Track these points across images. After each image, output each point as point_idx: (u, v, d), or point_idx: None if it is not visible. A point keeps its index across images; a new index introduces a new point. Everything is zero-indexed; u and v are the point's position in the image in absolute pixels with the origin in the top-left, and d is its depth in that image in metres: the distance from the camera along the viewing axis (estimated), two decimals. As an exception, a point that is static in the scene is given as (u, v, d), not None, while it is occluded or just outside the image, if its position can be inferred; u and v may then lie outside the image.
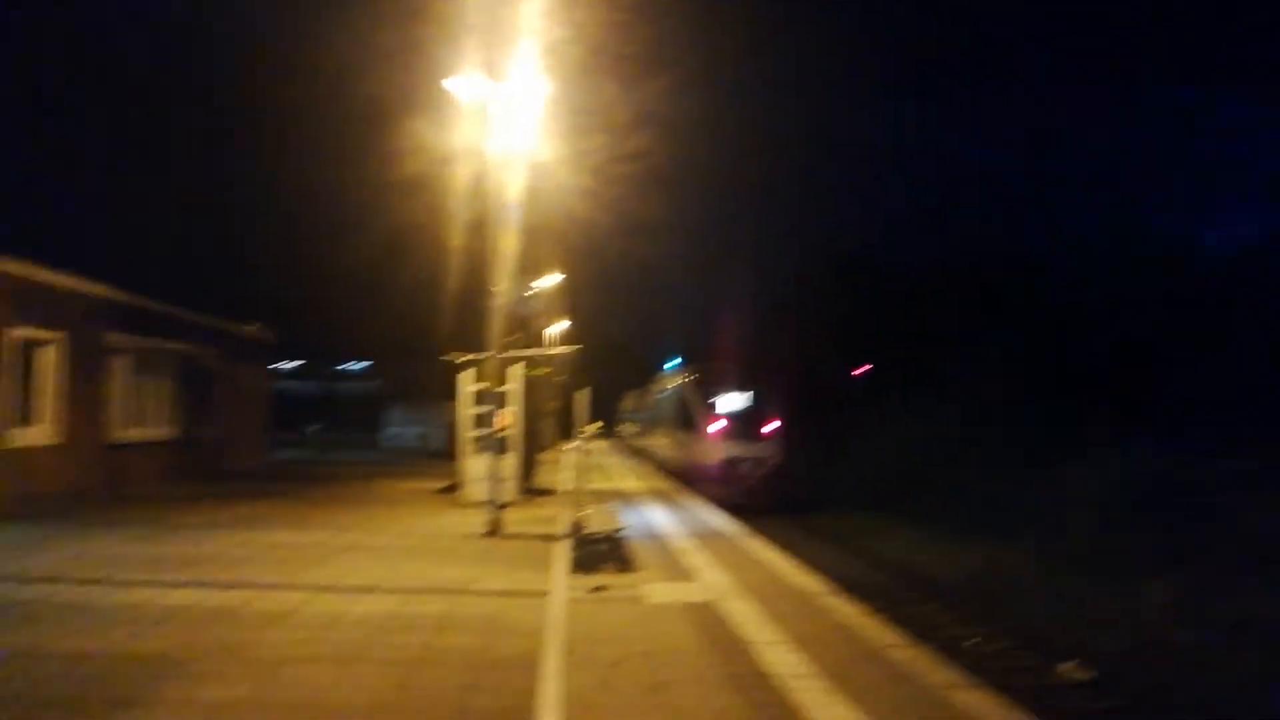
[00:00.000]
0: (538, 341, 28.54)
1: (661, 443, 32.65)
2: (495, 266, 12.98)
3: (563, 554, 10.92)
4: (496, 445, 13.13)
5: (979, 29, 58.22)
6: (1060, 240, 36.71)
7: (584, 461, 20.87)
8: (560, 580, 9.38)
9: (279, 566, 9.73)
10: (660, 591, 9.09)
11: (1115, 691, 9.49)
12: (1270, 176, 38.74)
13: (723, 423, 25.79)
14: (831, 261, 45.30)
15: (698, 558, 11.37)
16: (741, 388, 26.51)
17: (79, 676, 5.71)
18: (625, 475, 29.01)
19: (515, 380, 16.01)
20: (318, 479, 23.06)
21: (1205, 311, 26.70)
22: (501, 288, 13.08)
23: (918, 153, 61.47)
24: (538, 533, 12.85)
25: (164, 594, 8.13)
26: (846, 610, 8.37)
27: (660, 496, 20.79)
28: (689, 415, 27.16)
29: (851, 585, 11.11)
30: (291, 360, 45.64)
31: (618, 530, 11.05)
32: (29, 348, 15.55)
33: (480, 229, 13.87)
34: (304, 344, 38.39)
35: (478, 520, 12.99)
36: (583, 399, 21.31)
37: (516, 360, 16.42)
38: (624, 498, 19.88)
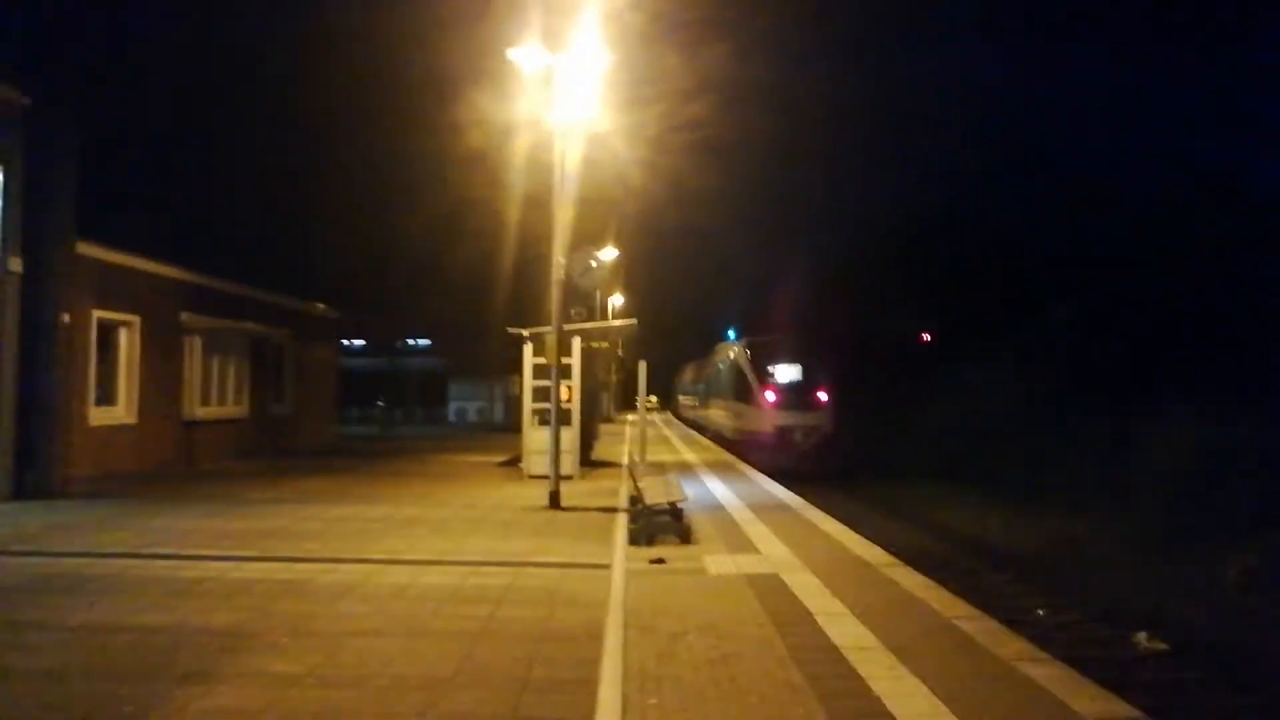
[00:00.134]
0: (598, 315, 28.60)
1: (718, 413, 33.31)
2: (555, 239, 12.96)
3: (623, 526, 10.94)
4: (556, 418, 13.18)
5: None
6: (1137, 200, 35.38)
7: (643, 433, 20.90)
8: (621, 552, 9.38)
9: (345, 540, 9.91)
10: (721, 563, 9.05)
11: (1190, 663, 9.20)
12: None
13: (775, 393, 26.57)
14: (895, 227, 44.42)
15: (758, 529, 11.30)
16: (794, 358, 27.22)
17: (150, 649, 5.86)
18: (684, 447, 29.00)
19: (576, 354, 16.05)
20: (383, 454, 23.49)
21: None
22: (561, 261, 13.06)
23: (985, 116, 59.54)
24: (598, 505, 12.90)
25: (234, 568, 8.34)
26: (911, 581, 8.24)
27: (719, 467, 20.72)
28: (744, 385, 27.97)
29: (916, 556, 10.94)
30: (357, 339, 46.41)
31: (678, 502, 11.02)
32: (107, 329, 16.06)
33: (539, 202, 13.87)
34: (367, 321, 38.95)
35: (539, 493, 13.09)
36: (642, 371, 21.28)
37: (577, 333, 16.44)
38: (683, 469, 19.87)
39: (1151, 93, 51.05)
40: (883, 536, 12.33)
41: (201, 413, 18.80)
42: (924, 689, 5.32)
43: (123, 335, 16.52)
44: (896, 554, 9.76)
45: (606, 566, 8.60)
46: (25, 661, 5.60)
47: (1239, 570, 12.87)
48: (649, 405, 26.84)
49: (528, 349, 16.25)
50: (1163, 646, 9.61)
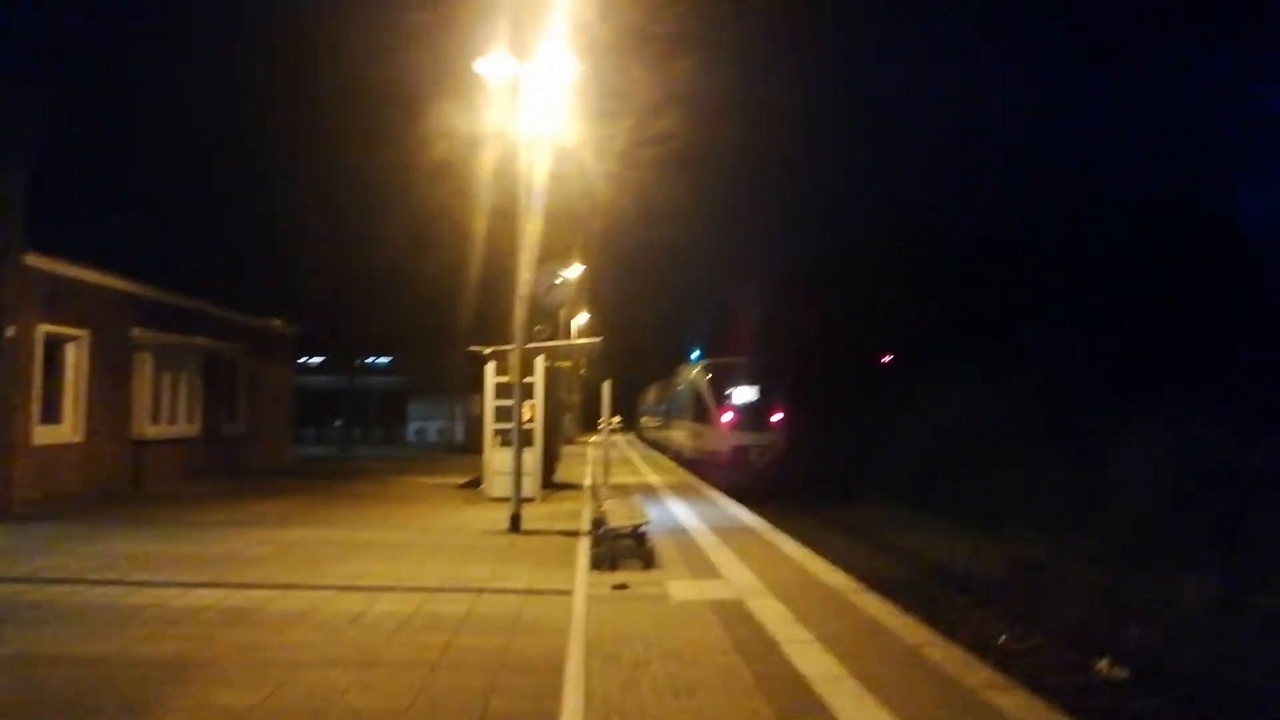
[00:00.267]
0: (562, 333, 28.46)
1: (678, 434, 34.33)
2: (521, 255, 12.79)
3: (585, 550, 10.76)
4: (519, 439, 12.98)
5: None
6: (1104, 216, 35.83)
7: (606, 455, 20.75)
8: (583, 578, 9.22)
9: (298, 565, 9.64)
10: (685, 589, 8.91)
11: (1152, 690, 9.21)
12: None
13: (732, 413, 27.79)
14: (855, 241, 44.64)
15: (722, 553, 11.18)
16: (750, 381, 28.40)
17: (91, 680, 5.59)
18: (647, 468, 28.86)
19: (539, 373, 15.87)
20: (340, 475, 23.07)
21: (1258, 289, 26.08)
22: (527, 277, 12.89)
23: (949, 128, 60.06)
24: (560, 528, 12.71)
25: (181, 594, 8.04)
26: (877, 608, 8.15)
27: (682, 490, 20.61)
28: (702, 407, 29.18)
29: (880, 581, 10.86)
30: (314, 355, 45.68)
31: (641, 525, 10.86)
32: (54, 344, 15.58)
33: (504, 216, 13.71)
34: (326, 338, 38.34)
35: (499, 516, 12.86)
36: (605, 392, 21.14)
37: (540, 352, 16.27)
38: (646, 491, 19.72)
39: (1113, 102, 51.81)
40: (847, 560, 12.25)
41: (152, 432, 18.30)
42: (893, 720, 5.22)
43: (70, 351, 16.04)
44: (861, 579, 9.68)
45: (568, 593, 8.42)
46: (-48, 696, 5.32)
47: (1199, 592, 12.98)
48: (613, 426, 26.83)
49: (490, 368, 16.04)
50: (1123, 674, 9.62)
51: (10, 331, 13.12)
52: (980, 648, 8.69)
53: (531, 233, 12.80)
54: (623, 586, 8.90)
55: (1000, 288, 33.89)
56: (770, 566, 10.24)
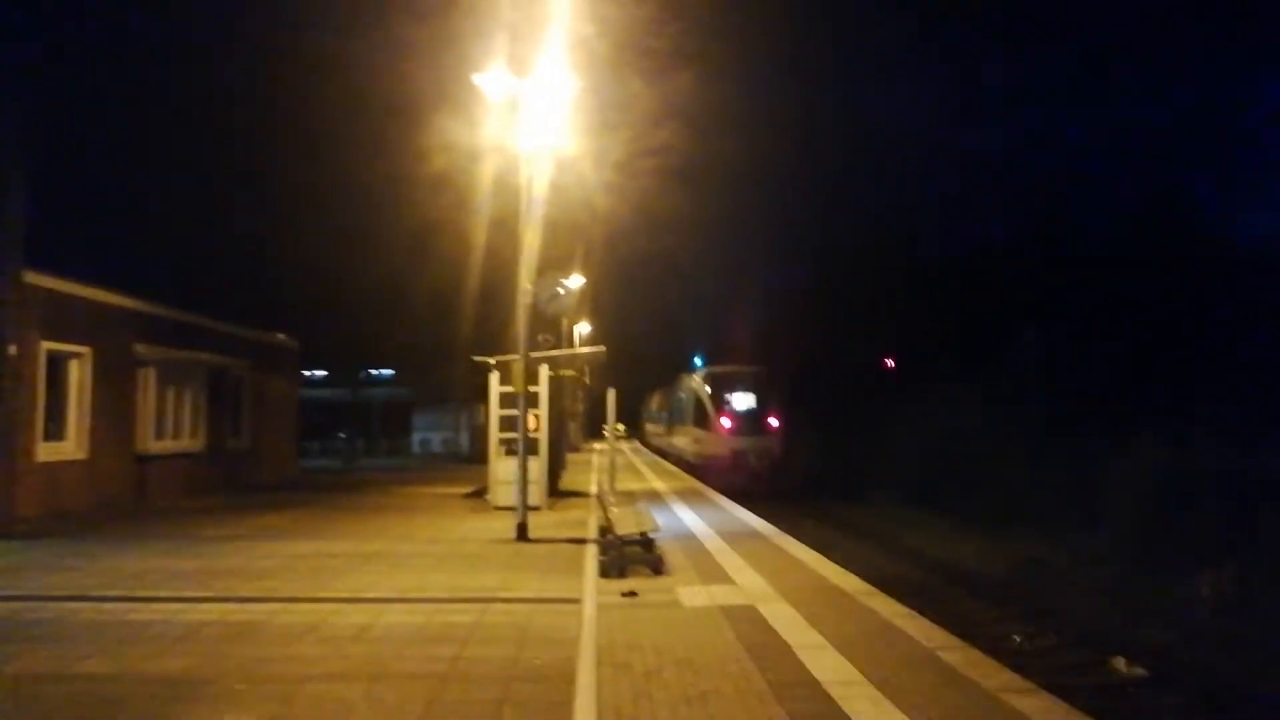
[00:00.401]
0: (565, 342, 28.42)
1: (681, 440, 34.92)
2: (523, 265, 12.74)
3: (593, 558, 10.67)
4: (524, 448, 12.90)
5: (1010, 8, 56.65)
6: (1104, 224, 35.85)
7: (611, 462, 20.66)
8: (592, 585, 9.12)
9: (305, 578, 9.55)
10: (695, 595, 8.81)
11: (1172, 688, 9.11)
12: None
13: (731, 419, 29.00)
14: (859, 251, 44.69)
15: (731, 558, 11.08)
16: (748, 387, 29.68)
17: (94, 700, 5.50)
18: (652, 474, 28.77)
19: (543, 382, 15.79)
20: (345, 487, 22.98)
21: (1253, 297, 26.02)
22: (528, 287, 12.84)
23: (947, 136, 60.17)
24: (567, 536, 12.61)
25: (187, 610, 7.95)
26: (889, 610, 8.05)
27: (688, 495, 20.51)
28: (703, 413, 30.22)
29: (891, 583, 10.79)
30: (318, 369, 45.65)
31: (649, 531, 10.77)
32: (57, 361, 15.53)
33: (506, 228, 13.67)
34: (330, 351, 38.32)
35: (506, 525, 12.78)
36: (609, 399, 21.06)
37: (544, 361, 16.20)
38: (652, 497, 19.63)
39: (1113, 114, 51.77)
40: (856, 563, 12.19)
41: (156, 447, 18.23)
42: (912, 725, 5.13)
43: (73, 367, 15.98)
44: (872, 581, 9.58)
45: (577, 601, 8.33)
46: (-45, 717, 5.24)
47: (1210, 591, 12.88)
48: (618, 433, 26.92)
49: (494, 377, 15.96)
50: (1142, 672, 9.52)
51: (12, 350, 13.05)
52: (996, 649, 8.60)
53: (532, 243, 12.75)
54: (632, 594, 8.81)
55: (1000, 289, 33.84)
56: (780, 570, 10.14)
